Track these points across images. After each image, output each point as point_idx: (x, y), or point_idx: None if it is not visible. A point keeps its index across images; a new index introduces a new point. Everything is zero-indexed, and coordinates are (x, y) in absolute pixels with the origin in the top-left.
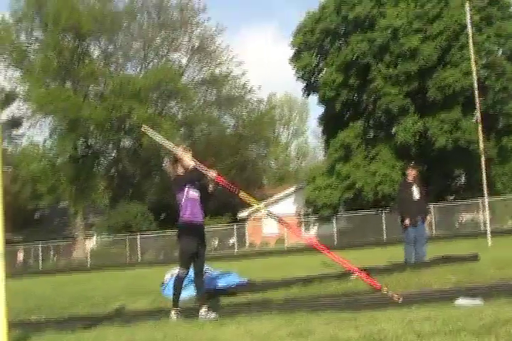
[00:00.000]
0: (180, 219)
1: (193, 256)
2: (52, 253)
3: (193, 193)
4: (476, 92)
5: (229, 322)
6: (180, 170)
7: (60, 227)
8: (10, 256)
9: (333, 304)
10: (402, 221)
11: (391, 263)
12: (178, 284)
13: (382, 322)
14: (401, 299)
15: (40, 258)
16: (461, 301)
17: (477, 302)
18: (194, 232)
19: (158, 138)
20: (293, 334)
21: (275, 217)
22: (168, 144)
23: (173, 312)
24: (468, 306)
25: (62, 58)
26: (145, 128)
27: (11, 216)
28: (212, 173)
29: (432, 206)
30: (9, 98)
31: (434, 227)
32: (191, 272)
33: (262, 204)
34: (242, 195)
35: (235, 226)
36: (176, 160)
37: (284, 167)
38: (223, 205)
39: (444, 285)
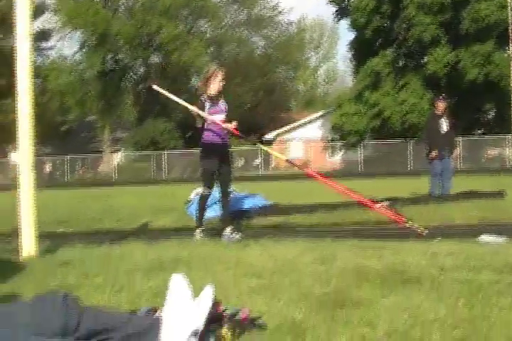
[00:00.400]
0: (201, 140)
1: (214, 174)
2: (78, 166)
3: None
4: (511, 26)
5: (253, 244)
6: (211, 90)
7: (87, 141)
8: (37, 168)
9: (357, 232)
10: (429, 153)
11: (416, 195)
12: (202, 203)
13: (406, 253)
14: (426, 232)
15: (67, 170)
16: (484, 238)
17: (501, 240)
18: (214, 152)
19: (169, 95)
20: (317, 261)
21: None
22: (181, 101)
23: (197, 231)
24: (492, 243)
25: None
26: (154, 86)
27: (39, 128)
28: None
29: (459, 139)
30: (39, 10)
31: (460, 161)
32: (216, 192)
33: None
34: (263, 147)
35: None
36: (207, 80)
37: (311, 91)
38: (249, 126)
39: (469, 220)
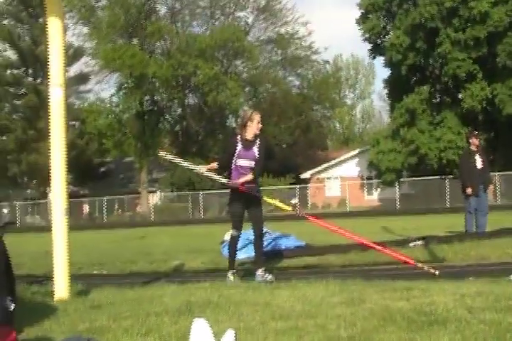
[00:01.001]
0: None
1: (241, 216)
2: (116, 207)
3: (240, 161)
4: None
5: (284, 285)
6: (247, 135)
7: (124, 182)
8: (76, 209)
9: (389, 272)
10: (464, 190)
11: (451, 232)
12: (232, 245)
13: (435, 294)
14: (437, 272)
15: (105, 211)
16: None
17: None
18: (239, 195)
19: (178, 160)
20: (345, 303)
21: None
22: (190, 165)
23: (229, 273)
24: None
25: (129, 15)
26: (161, 153)
27: (78, 170)
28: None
29: (496, 175)
30: (77, 54)
31: (498, 197)
32: (248, 234)
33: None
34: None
35: (298, 187)
36: (244, 125)
37: (348, 129)
38: (286, 165)
39: (503, 258)
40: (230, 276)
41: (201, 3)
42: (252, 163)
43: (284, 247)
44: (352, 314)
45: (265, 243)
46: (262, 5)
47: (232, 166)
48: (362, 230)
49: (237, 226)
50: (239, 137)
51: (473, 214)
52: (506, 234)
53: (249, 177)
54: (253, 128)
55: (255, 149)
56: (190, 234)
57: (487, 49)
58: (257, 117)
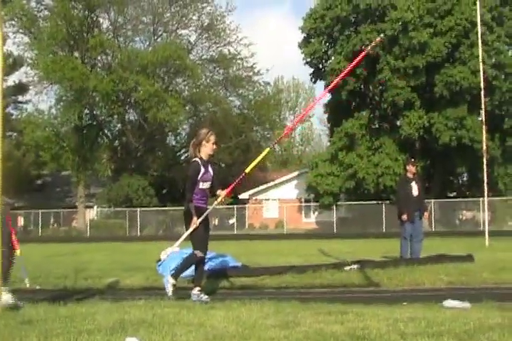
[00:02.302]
0: (189, 205)
1: (207, 239)
2: (52, 220)
3: (203, 184)
4: (482, 92)
5: (219, 306)
6: (202, 155)
7: (61, 196)
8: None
9: (324, 295)
10: (400, 216)
11: (386, 258)
12: (188, 263)
13: (368, 318)
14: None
15: (40, 225)
16: (449, 303)
17: (465, 305)
18: (202, 218)
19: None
20: (279, 325)
21: None
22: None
23: (171, 281)
24: (457, 308)
25: (71, 27)
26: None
27: (13, 181)
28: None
29: (432, 202)
30: (16, 63)
31: (434, 223)
32: (183, 253)
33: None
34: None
35: (236, 207)
36: (199, 143)
37: (287, 151)
38: (225, 185)
39: (436, 284)
40: (170, 287)
41: (144, 19)
42: (210, 184)
43: (220, 267)
44: (285, 337)
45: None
46: (206, 24)
47: (195, 190)
48: (298, 252)
49: (202, 248)
50: (199, 161)
51: (408, 240)
52: (440, 261)
53: (221, 199)
54: (208, 149)
55: (210, 169)
56: (126, 251)
57: (425, 78)
58: (212, 138)
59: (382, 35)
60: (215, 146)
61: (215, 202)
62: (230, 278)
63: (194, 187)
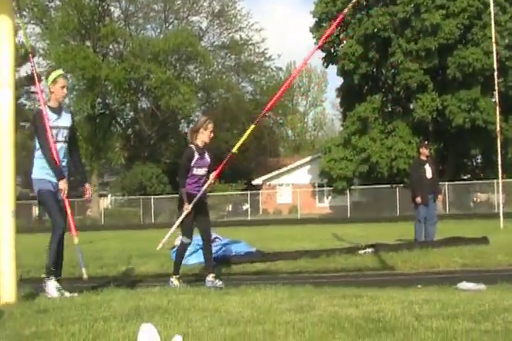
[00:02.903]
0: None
1: (192, 224)
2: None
3: (197, 170)
4: (496, 73)
5: (234, 291)
6: (198, 141)
7: (75, 184)
8: (25, 211)
9: (339, 279)
10: (414, 199)
11: (401, 241)
12: (181, 251)
13: (383, 301)
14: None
15: None
16: (464, 285)
17: (480, 287)
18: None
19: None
20: (294, 309)
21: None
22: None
23: (173, 277)
24: (471, 290)
25: (82, 17)
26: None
27: (27, 171)
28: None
29: (446, 185)
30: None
31: (448, 206)
32: (198, 239)
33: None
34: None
35: (249, 193)
36: (196, 130)
37: (300, 136)
38: (237, 171)
39: (451, 267)
40: (175, 281)
41: (155, 6)
42: (206, 170)
43: (234, 253)
44: (300, 320)
45: (215, 249)
46: (217, 10)
47: (188, 175)
48: (312, 237)
49: (189, 234)
50: (194, 147)
51: (422, 223)
52: (454, 243)
53: (210, 182)
54: (205, 136)
55: (207, 156)
56: (140, 239)
57: (438, 60)
58: (210, 126)
59: None
60: (212, 134)
61: (205, 185)
62: (245, 264)
63: (186, 173)
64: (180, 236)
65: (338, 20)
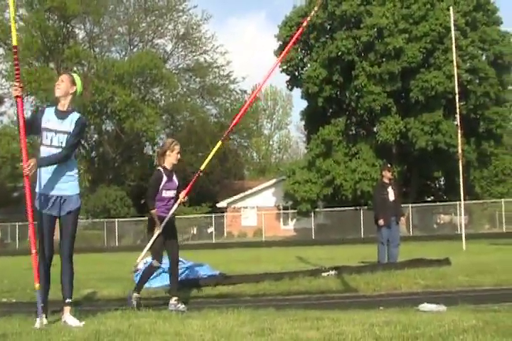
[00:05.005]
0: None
1: (162, 248)
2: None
3: (166, 192)
4: (457, 96)
5: (195, 315)
6: (165, 164)
7: None
8: None
9: (301, 301)
10: (376, 221)
11: (364, 263)
12: (148, 274)
13: (344, 324)
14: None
15: (18, 237)
16: (425, 306)
17: (441, 308)
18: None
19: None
20: (255, 332)
21: None
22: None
23: (134, 295)
24: (432, 312)
25: (46, 38)
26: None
27: None
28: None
29: (410, 206)
30: None
31: (411, 228)
32: (164, 263)
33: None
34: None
35: (214, 216)
36: (163, 153)
37: (265, 159)
38: (202, 194)
39: (413, 288)
40: (134, 300)
41: (120, 29)
42: (174, 192)
43: (197, 276)
44: None
45: (179, 272)
46: (181, 33)
47: (156, 197)
48: (277, 259)
49: (158, 257)
50: (162, 170)
51: (385, 245)
52: (417, 265)
53: (180, 200)
54: (172, 158)
55: (175, 179)
56: (104, 262)
57: (401, 84)
58: (177, 148)
59: None
60: (179, 156)
61: (174, 206)
62: (208, 287)
63: (155, 195)
64: (146, 259)
65: (303, 26)
